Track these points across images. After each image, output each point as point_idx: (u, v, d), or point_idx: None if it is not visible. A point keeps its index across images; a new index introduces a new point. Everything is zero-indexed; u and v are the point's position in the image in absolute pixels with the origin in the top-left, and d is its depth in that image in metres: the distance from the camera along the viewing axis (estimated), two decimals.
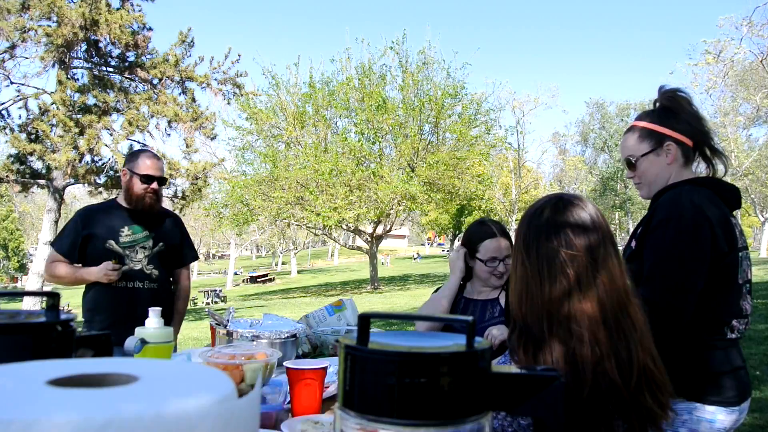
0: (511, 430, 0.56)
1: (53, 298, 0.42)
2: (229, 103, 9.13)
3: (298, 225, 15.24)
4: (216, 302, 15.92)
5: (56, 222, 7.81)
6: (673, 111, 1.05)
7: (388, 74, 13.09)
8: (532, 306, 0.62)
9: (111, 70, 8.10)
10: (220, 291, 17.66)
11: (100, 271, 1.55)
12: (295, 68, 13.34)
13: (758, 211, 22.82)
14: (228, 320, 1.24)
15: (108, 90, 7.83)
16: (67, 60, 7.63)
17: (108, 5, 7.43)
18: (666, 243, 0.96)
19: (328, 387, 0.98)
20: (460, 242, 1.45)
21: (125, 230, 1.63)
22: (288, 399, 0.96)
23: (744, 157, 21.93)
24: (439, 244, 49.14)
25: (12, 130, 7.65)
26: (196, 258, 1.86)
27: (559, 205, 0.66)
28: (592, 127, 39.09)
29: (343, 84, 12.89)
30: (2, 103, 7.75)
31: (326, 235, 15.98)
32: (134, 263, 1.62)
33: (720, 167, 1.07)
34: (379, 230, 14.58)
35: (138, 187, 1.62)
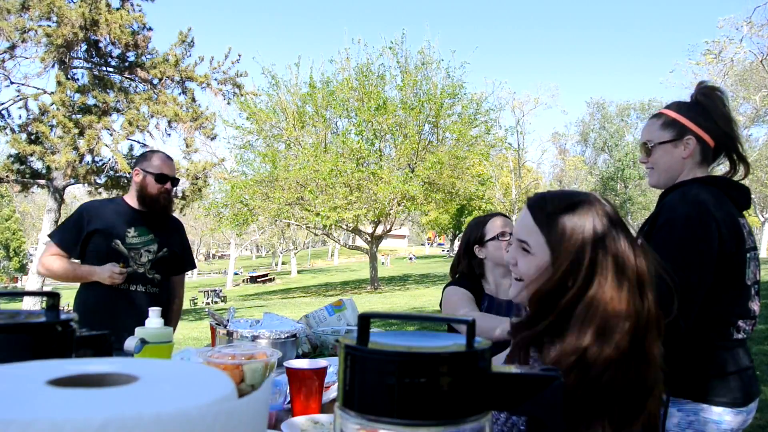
0: None
1: (53, 298, 0.42)
2: (229, 103, 9.14)
3: (297, 225, 15.24)
4: (216, 302, 15.92)
5: (56, 222, 7.81)
6: (704, 107, 1.03)
7: (387, 74, 13.11)
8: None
9: (111, 70, 8.10)
10: (220, 291, 17.67)
11: (105, 272, 1.50)
12: (296, 68, 13.36)
13: (758, 211, 22.83)
14: (228, 320, 1.24)
15: (108, 90, 7.83)
16: (67, 60, 7.63)
17: (108, 5, 7.43)
18: (672, 242, 0.94)
19: (329, 387, 0.98)
20: (460, 243, 1.43)
21: (131, 231, 1.59)
22: (288, 399, 0.96)
23: None
24: (439, 244, 49.12)
25: (12, 130, 7.65)
26: (194, 267, 1.83)
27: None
28: (592, 127, 39.09)
29: (342, 84, 12.89)
30: (2, 104, 7.75)
31: (326, 235, 15.99)
32: (137, 266, 1.59)
33: (741, 171, 1.06)
34: (379, 230, 14.58)
35: (153, 186, 1.59)
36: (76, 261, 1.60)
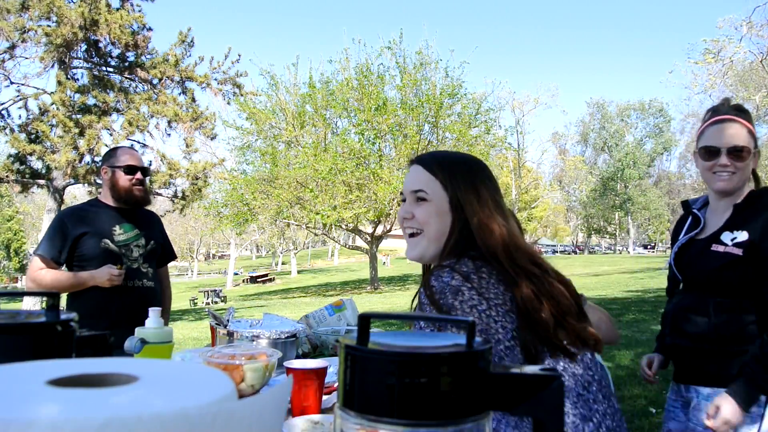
0: None
1: (53, 298, 0.42)
2: (229, 103, 9.14)
3: (297, 225, 15.25)
4: (216, 302, 15.92)
5: None
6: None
7: (387, 74, 13.12)
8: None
9: (111, 70, 8.10)
10: (220, 291, 17.67)
11: (103, 275, 1.49)
12: (294, 68, 13.36)
13: None
14: (228, 320, 1.24)
15: (108, 90, 7.83)
16: (67, 60, 7.63)
17: (108, 5, 7.43)
18: None
19: (330, 388, 0.98)
20: None
21: (117, 229, 1.58)
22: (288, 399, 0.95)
23: None
24: None
25: (12, 130, 7.65)
26: (175, 258, 1.83)
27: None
28: (592, 127, 39.06)
29: (342, 84, 12.89)
30: (2, 103, 7.75)
31: (326, 235, 15.99)
32: (131, 262, 1.59)
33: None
34: (379, 230, 14.59)
35: (123, 179, 1.58)
36: (63, 269, 1.58)
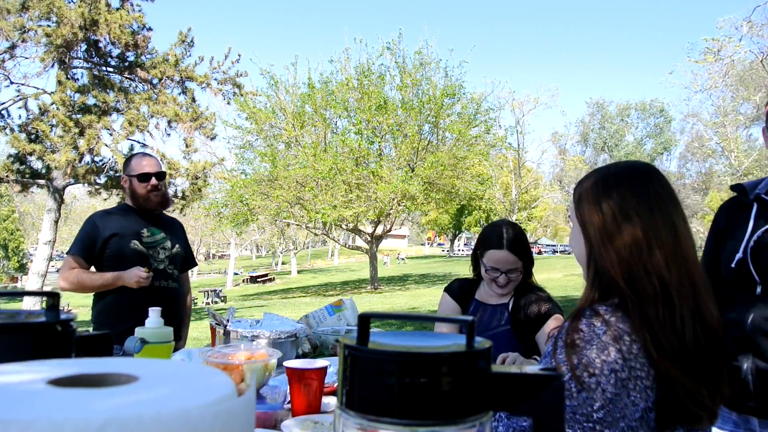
0: None
1: (53, 297, 0.42)
2: (229, 103, 9.13)
3: (297, 225, 15.24)
4: (216, 302, 15.92)
5: (56, 222, 7.81)
6: None
7: (387, 74, 13.12)
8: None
9: (111, 70, 8.09)
10: (220, 291, 17.67)
11: (132, 276, 1.54)
12: (294, 68, 13.37)
13: None
14: (228, 320, 1.24)
15: (108, 90, 7.83)
16: (67, 60, 7.63)
17: (108, 5, 7.42)
18: None
19: (330, 388, 0.98)
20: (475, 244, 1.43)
21: (145, 231, 1.64)
22: (288, 399, 0.96)
23: (744, 156, 21.95)
24: (440, 244, 49.13)
25: (12, 130, 7.65)
26: (195, 265, 1.92)
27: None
28: (592, 126, 39.07)
29: (342, 84, 12.89)
30: (2, 103, 7.75)
31: (326, 234, 15.98)
32: (158, 263, 1.66)
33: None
34: (379, 230, 14.59)
35: (140, 187, 1.64)
36: (92, 270, 1.63)
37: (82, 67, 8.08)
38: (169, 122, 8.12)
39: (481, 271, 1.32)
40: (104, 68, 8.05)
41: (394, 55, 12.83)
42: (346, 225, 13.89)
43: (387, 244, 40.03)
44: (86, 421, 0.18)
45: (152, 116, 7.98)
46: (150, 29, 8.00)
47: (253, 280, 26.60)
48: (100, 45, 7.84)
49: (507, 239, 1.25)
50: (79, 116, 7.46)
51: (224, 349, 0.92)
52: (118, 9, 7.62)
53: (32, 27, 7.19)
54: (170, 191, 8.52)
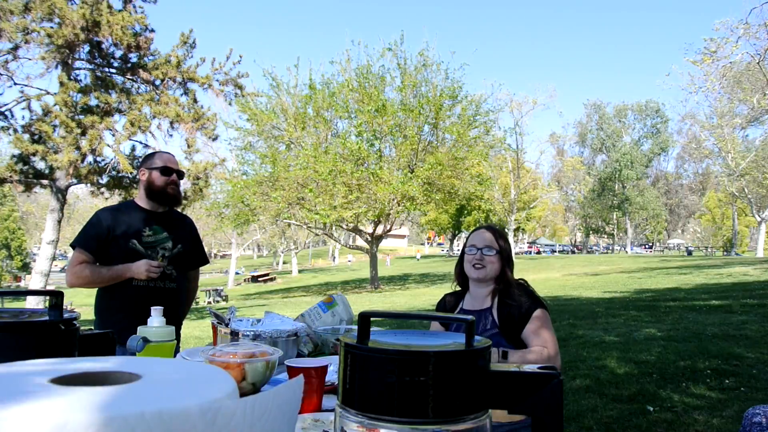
0: None
1: (56, 296, 0.42)
2: (230, 104, 9.14)
3: (298, 225, 15.24)
4: (218, 301, 15.95)
5: (59, 222, 7.83)
6: None
7: (387, 76, 13.11)
8: None
9: (113, 71, 8.12)
10: (222, 290, 17.70)
11: (141, 267, 1.53)
12: (295, 70, 13.37)
13: (755, 211, 22.76)
14: (229, 319, 1.25)
15: (110, 91, 7.85)
16: (69, 61, 7.65)
17: (109, 7, 7.44)
18: None
19: (331, 386, 0.98)
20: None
21: (147, 230, 1.63)
22: None
23: (740, 158, 21.85)
24: (439, 244, 49.04)
25: (15, 130, 7.68)
26: (207, 262, 1.86)
27: None
28: (589, 127, 38.96)
29: (342, 86, 12.89)
30: (5, 104, 7.78)
31: (327, 234, 15.99)
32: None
33: None
34: (379, 230, 14.58)
35: (159, 179, 1.64)
36: (97, 265, 1.62)
37: (84, 69, 8.10)
38: (171, 123, 8.14)
39: (464, 261, 1.36)
40: (107, 69, 8.07)
41: (396, 56, 12.84)
42: (347, 225, 13.89)
43: (387, 243, 39.96)
44: (89, 419, 0.18)
45: (154, 117, 8.00)
46: (152, 31, 8.01)
47: (255, 279, 26.61)
48: (103, 46, 7.86)
49: (486, 224, 1.40)
50: (81, 117, 7.48)
51: (225, 348, 0.92)
52: (120, 11, 7.64)
53: (35, 28, 7.22)
54: None
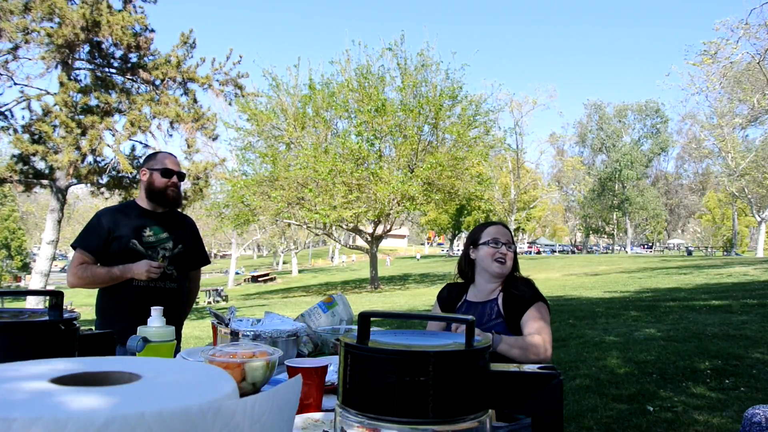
0: None
1: (56, 297, 0.42)
2: (230, 104, 9.14)
3: (298, 225, 15.25)
4: (218, 301, 15.94)
5: (59, 222, 7.83)
6: None
7: (387, 76, 13.11)
8: None
9: (113, 71, 8.12)
10: (222, 290, 17.69)
11: (142, 267, 1.53)
12: (295, 69, 13.37)
13: (755, 211, 22.78)
14: (229, 319, 1.25)
15: (110, 91, 7.85)
16: (69, 61, 7.65)
17: (109, 7, 7.44)
18: None
19: (330, 386, 0.98)
20: (464, 245, 1.47)
21: (147, 231, 1.63)
22: None
23: (740, 158, 21.87)
24: (439, 244, 49.05)
25: (15, 130, 7.68)
26: (208, 262, 1.85)
27: None
28: (589, 128, 38.97)
29: (342, 86, 12.89)
30: (5, 104, 7.78)
31: (327, 234, 15.99)
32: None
33: None
34: (379, 230, 14.58)
35: (160, 181, 1.64)
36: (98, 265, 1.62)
37: (84, 69, 8.10)
38: (171, 123, 8.14)
39: (477, 261, 1.36)
40: (107, 69, 8.07)
41: (396, 56, 12.84)
42: (347, 225, 13.89)
43: (387, 243, 39.96)
44: (89, 419, 0.18)
45: (154, 117, 8.00)
46: (152, 31, 8.01)
47: (255, 279, 26.60)
48: (103, 46, 7.86)
49: (498, 222, 1.44)
50: (81, 117, 7.48)
51: (225, 348, 0.92)
52: (120, 11, 7.64)
53: (35, 28, 7.21)
54: None
